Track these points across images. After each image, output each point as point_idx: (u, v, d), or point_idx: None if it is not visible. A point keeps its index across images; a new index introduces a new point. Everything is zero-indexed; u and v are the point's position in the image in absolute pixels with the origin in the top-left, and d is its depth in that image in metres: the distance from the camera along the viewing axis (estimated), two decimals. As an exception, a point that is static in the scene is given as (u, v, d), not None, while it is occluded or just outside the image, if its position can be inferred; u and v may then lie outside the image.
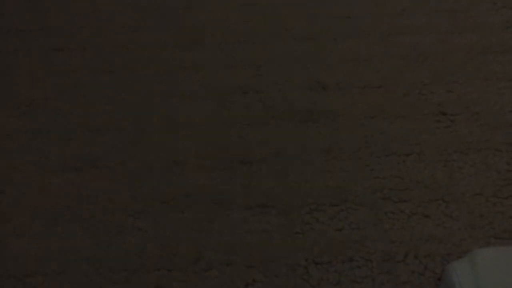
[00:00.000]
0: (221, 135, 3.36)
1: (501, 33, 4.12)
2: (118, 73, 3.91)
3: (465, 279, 1.74)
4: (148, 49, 4.15)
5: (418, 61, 3.90)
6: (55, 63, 4.03)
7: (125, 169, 3.17)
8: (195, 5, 4.66)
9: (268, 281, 2.62)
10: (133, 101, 3.67)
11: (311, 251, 2.72)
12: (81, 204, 2.98)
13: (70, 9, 4.68)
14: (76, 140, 3.36)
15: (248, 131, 3.39)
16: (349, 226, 2.83)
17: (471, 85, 3.67)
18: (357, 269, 2.64)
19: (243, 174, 3.14)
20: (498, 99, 3.54)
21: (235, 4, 4.64)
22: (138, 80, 3.84)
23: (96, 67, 3.98)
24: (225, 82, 3.80)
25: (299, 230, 2.82)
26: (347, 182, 3.06)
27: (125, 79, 3.85)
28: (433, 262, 2.66)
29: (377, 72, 3.82)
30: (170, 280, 2.64)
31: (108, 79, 3.85)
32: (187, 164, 3.20)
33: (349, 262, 2.67)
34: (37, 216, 2.94)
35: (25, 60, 4.07)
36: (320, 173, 3.11)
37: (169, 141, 3.35)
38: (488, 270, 1.75)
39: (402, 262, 2.65)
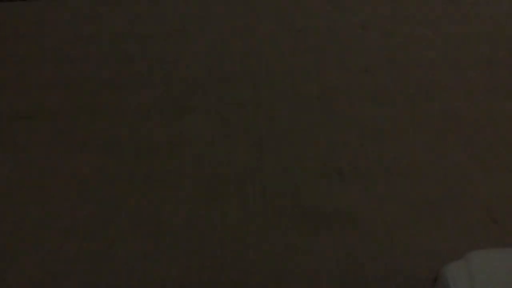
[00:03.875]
0: (210, 251, 2.59)
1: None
2: (94, 152, 3.22)
3: (460, 280, 1.69)
4: (129, 118, 3.45)
5: (453, 136, 3.19)
6: (19, 135, 3.37)
7: None
8: (187, 57, 4.06)
9: None
10: (111, 188, 2.96)
11: None
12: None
13: (36, 67, 4.05)
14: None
15: (246, 239, 2.62)
16: None
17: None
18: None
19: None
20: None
21: (233, 53, 4.02)
22: (118, 161, 3.14)
23: (68, 142, 3.31)
24: (219, 163, 3.09)
25: None
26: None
27: (102, 161, 3.15)
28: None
29: (405, 151, 3.11)
30: None
31: (82, 159, 3.17)
32: None
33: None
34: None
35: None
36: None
37: (149, 252, 2.61)
38: (482, 272, 1.70)
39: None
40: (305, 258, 2.53)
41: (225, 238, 2.63)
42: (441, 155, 3.03)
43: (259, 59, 3.97)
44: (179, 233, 2.69)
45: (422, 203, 2.74)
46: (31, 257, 2.51)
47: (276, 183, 2.90)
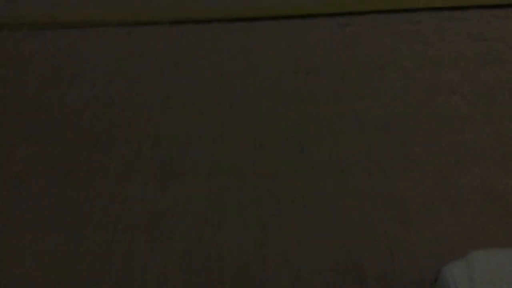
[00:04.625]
0: None
1: None
2: (63, 229, 2.60)
3: (461, 281, 1.70)
4: (107, 184, 2.79)
5: (495, 217, 2.60)
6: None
7: None
8: (177, 105, 3.34)
9: None
10: (83, 274, 2.41)
11: None
12: None
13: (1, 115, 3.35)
14: None
15: None
16: None
17: None
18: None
19: None
20: None
21: (231, 102, 3.35)
22: (92, 239, 2.57)
23: (31, 214, 2.67)
24: (212, 248, 2.50)
25: None
26: None
27: (72, 240, 2.56)
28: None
29: (438, 238, 2.50)
30: None
31: (48, 237, 2.57)
32: None
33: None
34: None
35: None
36: None
37: None
38: (484, 272, 1.70)
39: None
40: None
41: None
42: (482, 243, 2.46)
43: (261, 109, 3.33)
44: None
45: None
46: None
47: (279, 283, 2.31)
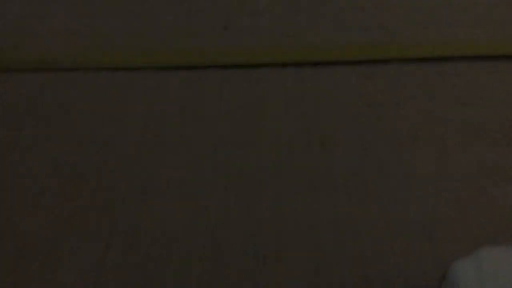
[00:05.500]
0: None
1: None
2: None
3: (469, 277, 1.66)
4: None
5: None
6: None
7: None
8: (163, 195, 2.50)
9: None
10: None
11: None
12: None
13: None
14: None
15: None
16: None
17: None
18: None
19: None
20: None
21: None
22: None
23: None
24: None
25: None
26: None
27: None
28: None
29: None
30: None
31: None
32: None
33: None
34: None
35: None
36: None
37: None
38: (493, 269, 1.65)
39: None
40: None
41: None
42: None
43: (265, 198, 2.55)
44: None
45: None
46: None
47: None
